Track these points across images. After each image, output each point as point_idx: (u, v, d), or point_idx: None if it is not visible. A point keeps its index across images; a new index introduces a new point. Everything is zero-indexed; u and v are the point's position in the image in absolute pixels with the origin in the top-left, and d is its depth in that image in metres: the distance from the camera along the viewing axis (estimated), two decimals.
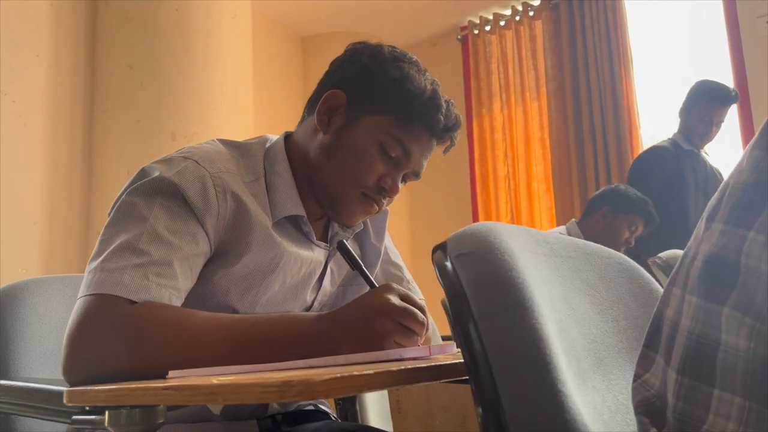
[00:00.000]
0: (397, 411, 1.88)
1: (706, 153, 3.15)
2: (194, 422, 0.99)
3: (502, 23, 4.43)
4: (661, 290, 0.76)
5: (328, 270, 1.11)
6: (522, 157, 4.26)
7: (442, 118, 1.03)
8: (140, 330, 0.81)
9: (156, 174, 0.92)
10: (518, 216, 4.22)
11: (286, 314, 0.97)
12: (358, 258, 0.99)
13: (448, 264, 0.62)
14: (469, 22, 4.54)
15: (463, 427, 1.99)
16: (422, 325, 0.86)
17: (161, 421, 0.69)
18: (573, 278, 0.80)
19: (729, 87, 3.04)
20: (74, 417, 0.74)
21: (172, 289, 0.87)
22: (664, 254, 1.76)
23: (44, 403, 0.82)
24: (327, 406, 1.21)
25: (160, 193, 0.91)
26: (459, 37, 4.67)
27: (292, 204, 1.02)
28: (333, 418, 1.19)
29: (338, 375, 0.53)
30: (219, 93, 3.09)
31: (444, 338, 2.06)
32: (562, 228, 2.83)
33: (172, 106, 2.98)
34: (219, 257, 0.96)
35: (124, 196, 0.93)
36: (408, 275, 1.22)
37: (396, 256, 1.24)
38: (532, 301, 0.59)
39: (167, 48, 3.03)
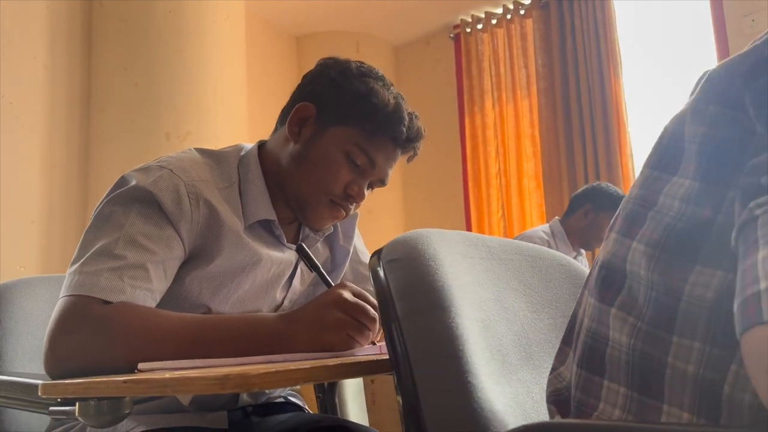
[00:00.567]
0: (372, 403, 1.96)
1: None
2: (169, 413, 1.06)
3: (494, 21, 4.48)
4: None
5: (298, 270, 1.18)
6: (513, 154, 4.31)
7: (404, 129, 1.10)
8: (112, 327, 0.89)
9: (134, 183, 1.00)
10: (509, 212, 4.27)
11: (247, 315, 1.04)
12: (315, 260, 1.06)
13: (380, 269, 0.69)
14: (462, 20, 4.59)
15: None
16: (373, 320, 0.93)
17: (127, 411, 0.75)
18: (510, 279, 0.86)
19: None
20: (50, 408, 0.81)
21: (146, 290, 0.94)
22: None
23: (25, 396, 0.89)
24: (299, 399, 1.28)
25: (137, 201, 0.99)
26: (451, 35, 4.71)
27: (263, 209, 1.10)
28: (304, 411, 1.26)
29: (273, 369, 0.59)
30: (213, 93, 3.14)
31: None
32: (546, 226, 2.88)
33: (167, 107, 3.04)
34: (193, 260, 1.04)
35: (104, 203, 1.01)
36: None
37: (366, 257, 1.31)
38: (451, 302, 0.65)
39: (161, 49, 3.09)
